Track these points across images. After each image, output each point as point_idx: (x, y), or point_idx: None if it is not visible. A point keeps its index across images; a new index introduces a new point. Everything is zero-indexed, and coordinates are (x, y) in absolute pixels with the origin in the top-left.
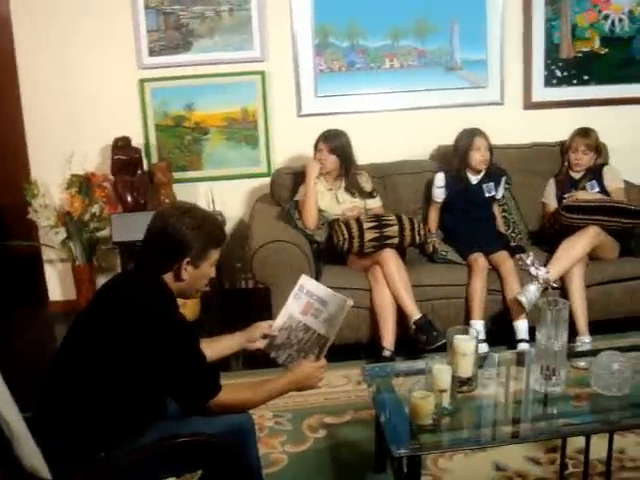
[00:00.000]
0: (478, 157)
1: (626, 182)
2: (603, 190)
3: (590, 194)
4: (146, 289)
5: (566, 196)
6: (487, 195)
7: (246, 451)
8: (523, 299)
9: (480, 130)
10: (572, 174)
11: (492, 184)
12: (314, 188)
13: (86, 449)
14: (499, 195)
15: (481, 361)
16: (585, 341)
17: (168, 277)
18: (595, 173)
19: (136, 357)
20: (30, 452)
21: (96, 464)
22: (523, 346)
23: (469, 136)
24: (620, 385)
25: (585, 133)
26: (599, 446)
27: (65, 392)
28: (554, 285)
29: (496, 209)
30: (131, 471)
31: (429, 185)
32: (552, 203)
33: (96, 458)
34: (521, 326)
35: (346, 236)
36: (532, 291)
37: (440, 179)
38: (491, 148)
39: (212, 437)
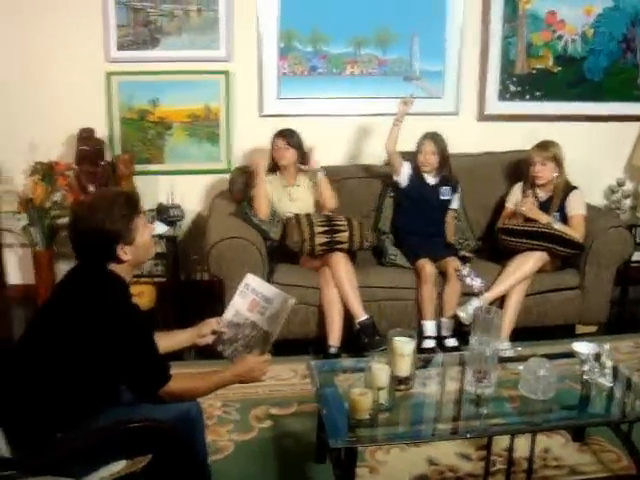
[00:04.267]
0: (421, 159)
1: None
2: (563, 215)
3: (538, 213)
4: (95, 281)
5: (520, 204)
6: (442, 198)
7: (194, 438)
8: (462, 314)
9: (433, 135)
10: (538, 192)
11: (448, 189)
12: (264, 178)
13: (44, 430)
14: (455, 205)
15: (426, 361)
16: (504, 347)
17: (113, 265)
18: (562, 198)
19: (91, 345)
20: None
21: (53, 444)
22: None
23: (421, 139)
24: (545, 389)
25: (541, 146)
26: (525, 445)
27: (26, 376)
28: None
29: (449, 217)
30: (85, 452)
31: (382, 190)
32: (512, 207)
33: (53, 439)
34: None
35: (298, 239)
36: (471, 307)
37: (407, 166)
38: (442, 153)
39: (162, 423)
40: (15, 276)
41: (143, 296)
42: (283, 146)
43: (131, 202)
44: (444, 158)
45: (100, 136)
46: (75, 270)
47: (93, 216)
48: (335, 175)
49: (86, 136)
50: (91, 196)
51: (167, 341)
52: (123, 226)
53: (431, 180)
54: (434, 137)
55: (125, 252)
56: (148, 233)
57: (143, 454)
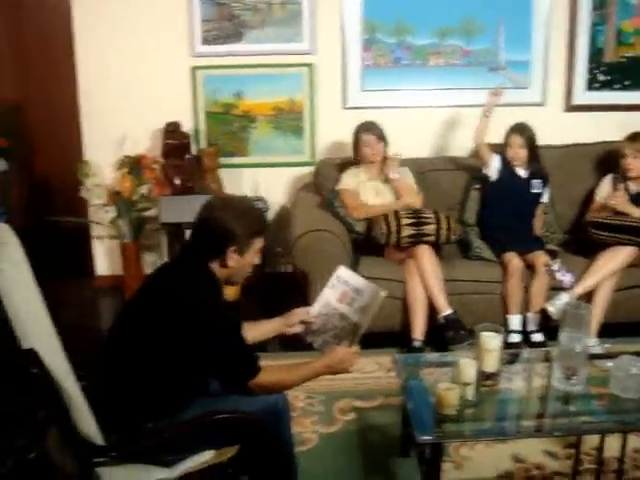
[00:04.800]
0: (510, 153)
1: None
2: None
3: (629, 207)
4: (193, 276)
5: (610, 197)
6: (534, 191)
7: (280, 429)
8: (551, 309)
9: (521, 127)
10: (629, 185)
11: (540, 182)
12: (382, 210)
13: (135, 420)
14: (545, 198)
15: (512, 356)
16: (591, 344)
17: (214, 265)
18: None
19: (182, 339)
20: (86, 420)
21: (144, 434)
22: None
23: (508, 132)
24: (637, 388)
25: (633, 138)
26: (615, 445)
27: (118, 367)
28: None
29: (539, 210)
30: (175, 442)
31: (468, 182)
32: (601, 201)
33: (144, 428)
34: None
35: (384, 230)
36: (560, 302)
37: (497, 159)
38: (532, 147)
39: (250, 415)
40: (103, 267)
41: (228, 288)
42: (375, 141)
43: (262, 221)
44: (534, 150)
45: (186, 130)
46: (174, 263)
47: (226, 211)
48: (420, 168)
49: (172, 130)
50: (232, 196)
51: (254, 331)
52: (245, 235)
53: (522, 173)
54: (522, 130)
55: (232, 259)
56: (256, 259)
57: (231, 445)
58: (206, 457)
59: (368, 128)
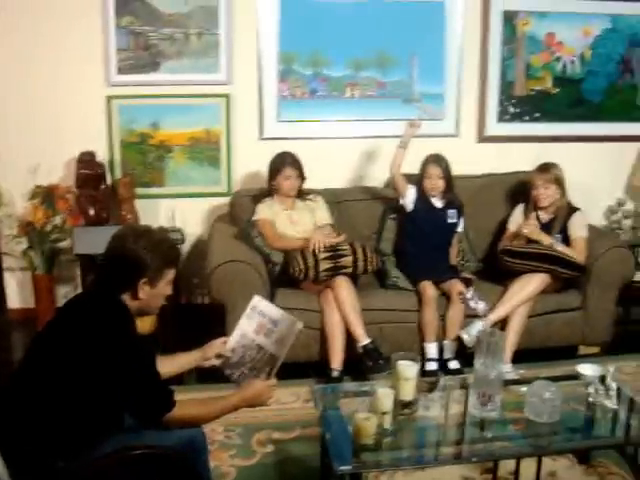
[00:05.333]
0: (428, 185)
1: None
2: (565, 236)
3: (540, 235)
4: (104, 309)
5: (522, 225)
6: (449, 221)
7: (198, 464)
8: (465, 337)
9: (438, 158)
10: (540, 214)
11: (455, 212)
12: (299, 244)
13: (46, 459)
14: (460, 228)
15: (429, 384)
16: (506, 370)
17: (126, 296)
18: (564, 220)
19: (94, 373)
20: None
21: (55, 474)
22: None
23: (425, 163)
24: (551, 412)
25: (542, 169)
26: (531, 469)
27: (27, 404)
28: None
29: (455, 239)
30: None
31: (384, 212)
32: (513, 229)
33: (55, 468)
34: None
35: (302, 267)
36: (474, 330)
37: (412, 190)
38: (448, 177)
39: (166, 449)
40: (15, 300)
41: (144, 320)
42: (295, 176)
43: (175, 253)
44: (449, 181)
45: (101, 159)
46: (84, 295)
47: (137, 242)
48: (336, 198)
49: (86, 159)
50: (143, 226)
51: (170, 365)
52: (157, 267)
53: (438, 203)
54: (439, 160)
55: (143, 290)
56: (168, 290)
57: None
58: None
59: (292, 163)
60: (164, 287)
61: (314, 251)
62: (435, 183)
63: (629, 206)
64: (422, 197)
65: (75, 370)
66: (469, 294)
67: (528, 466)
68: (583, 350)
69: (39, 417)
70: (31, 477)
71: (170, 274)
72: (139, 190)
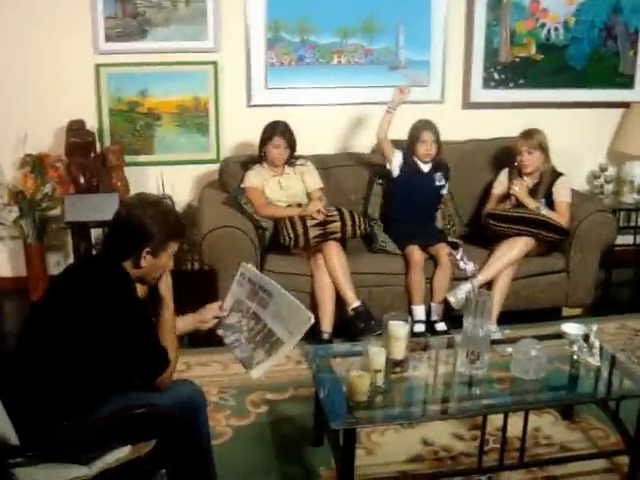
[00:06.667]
0: (423, 150)
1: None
2: (550, 201)
3: (527, 197)
4: (106, 273)
5: (513, 184)
6: (437, 184)
7: (197, 423)
8: (452, 299)
9: (430, 124)
10: (525, 179)
11: (442, 175)
12: (287, 213)
13: (50, 418)
14: (445, 190)
15: (418, 344)
16: (492, 330)
17: (128, 264)
18: (549, 185)
19: (96, 335)
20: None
21: (59, 432)
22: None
23: (418, 128)
24: (536, 369)
25: (526, 135)
26: (518, 424)
27: (31, 367)
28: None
29: (443, 202)
30: (91, 439)
31: (371, 177)
32: (498, 193)
33: (59, 427)
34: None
35: (292, 235)
36: (461, 292)
37: (399, 155)
38: (439, 142)
39: (165, 408)
40: (6, 269)
41: (138, 286)
42: (284, 146)
43: (180, 227)
44: (440, 145)
45: (90, 128)
46: (87, 260)
47: (145, 211)
48: (324, 164)
49: (76, 128)
50: (155, 197)
51: None
52: (161, 237)
53: (425, 168)
54: (431, 126)
55: (145, 259)
56: (170, 264)
57: (147, 440)
58: (123, 453)
59: (283, 132)
60: (166, 259)
61: (303, 218)
62: (429, 148)
63: (611, 171)
64: (409, 162)
65: (77, 332)
66: (459, 255)
67: (515, 422)
68: (566, 312)
69: (42, 378)
70: (36, 436)
71: (174, 247)
72: (128, 158)
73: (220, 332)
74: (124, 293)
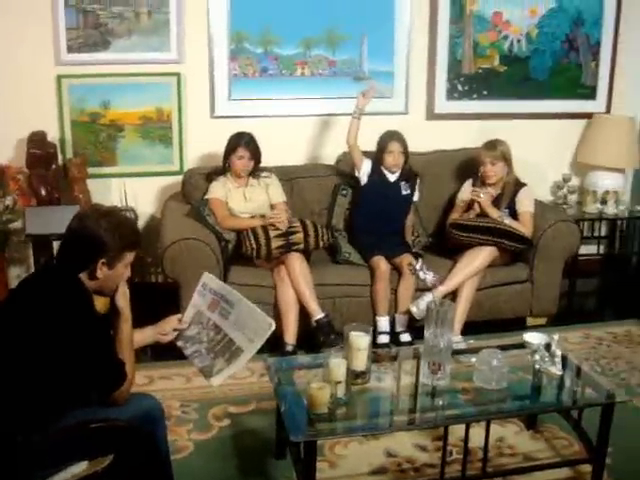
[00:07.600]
0: (390, 160)
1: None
2: (513, 211)
3: (490, 207)
4: (62, 286)
5: (473, 194)
6: (403, 193)
7: (155, 436)
8: (414, 309)
9: (398, 135)
10: (488, 190)
11: (408, 184)
12: (250, 224)
13: (5, 433)
14: (416, 197)
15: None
16: (456, 340)
17: (84, 275)
18: (512, 195)
19: (52, 349)
20: None
21: (14, 447)
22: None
23: (385, 139)
24: (498, 379)
25: (489, 146)
26: (480, 435)
27: None
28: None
29: (410, 214)
30: (47, 454)
31: (335, 188)
32: (462, 204)
33: (14, 442)
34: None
35: (254, 245)
36: (423, 303)
37: (367, 164)
38: (406, 152)
39: (123, 422)
40: None
41: (98, 299)
42: (247, 157)
43: (135, 236)
44: (407, 156)
45: (51, 139)
46: (42, 273)
47: (98, 222)
48: (287, 175)
49: (37, 139)
50: (106, 207)
51: None
52: (116, 248)
53: (392, 177)
54: (399, 137)
55: (101, 271)
56: (126, 274)
57: (104, 454)
58: (80, 468)
59: (247, 143)
60: (122, 269)
61: (266, 228)
62: (397, 158)
63: (574, 181)
64: (376, 171)
65: (31, 345)
66: (418, 265)
67: (477, 433)
68: (530, 322)
69: None
70: None
71: (129, 257)
72: (91, 170)
73: (180, 344)
74: (79, 305)
